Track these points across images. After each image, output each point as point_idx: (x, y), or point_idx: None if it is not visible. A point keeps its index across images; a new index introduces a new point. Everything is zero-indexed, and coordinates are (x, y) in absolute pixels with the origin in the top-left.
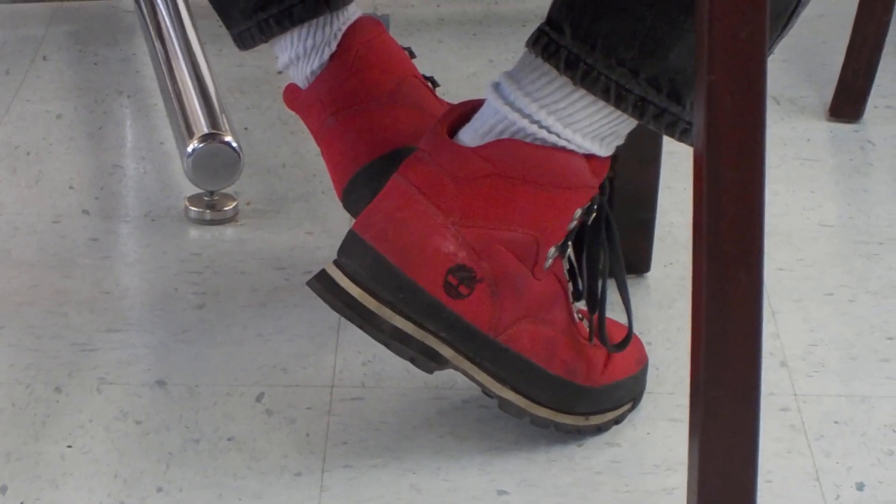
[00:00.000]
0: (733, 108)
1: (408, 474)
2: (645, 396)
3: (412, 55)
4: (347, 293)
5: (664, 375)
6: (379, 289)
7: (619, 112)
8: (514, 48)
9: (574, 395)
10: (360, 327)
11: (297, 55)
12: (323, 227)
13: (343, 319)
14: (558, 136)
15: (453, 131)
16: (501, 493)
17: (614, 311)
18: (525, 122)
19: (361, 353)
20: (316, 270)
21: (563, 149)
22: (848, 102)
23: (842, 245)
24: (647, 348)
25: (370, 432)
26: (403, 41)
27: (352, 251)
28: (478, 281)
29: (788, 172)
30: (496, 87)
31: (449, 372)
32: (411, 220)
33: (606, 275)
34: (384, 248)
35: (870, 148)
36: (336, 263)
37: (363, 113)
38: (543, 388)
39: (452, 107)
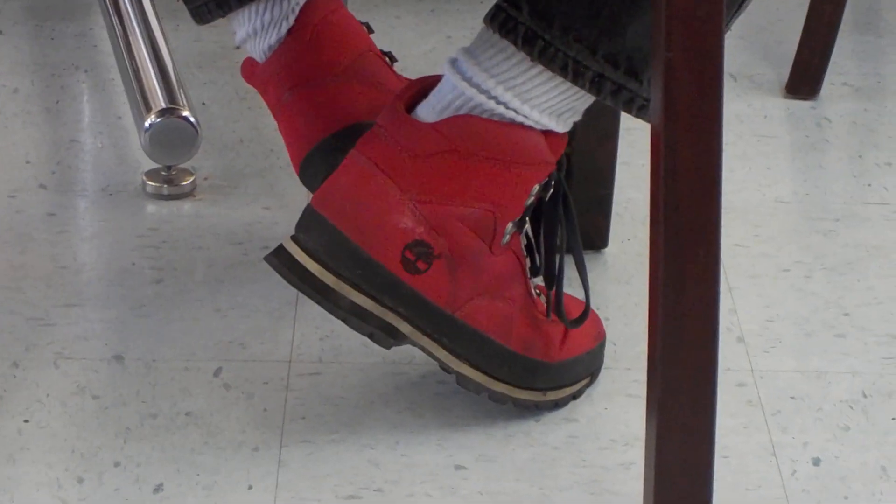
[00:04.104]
0: (691, 84)
1: (365, 449)
2: (602, 372)
3: (370, 30)
4: (305, 269)
5: (621, 351)
6: (336, 265)
7: (576, 88)
8: (471, 25)
9: (531, 371)
10: (318, 303)
11: (254, 30)
12: (280, 202)
13: (301, 295)
14: (516, 111)
15: (411, 107)
16: (459, 468)
17: (572, 286)
18: (482, 98)
19: (319, 328)
20: (273, 246)
21: (521, 125)
22: (804, 80)
23: (798, 221)
24: (604, 324)
25: (328, 407)
26: (361, 17)
27: (309, 227)
28: (435, 257)
29: (745, 149)
30: (454, 63)
31: (407, 347)
32: (368, 196)
33: (564, 250)
34: (342, 224)
35: (826, 125)
36: (294, 239)
37: (320, 88)
38: (501, 363)
39: (410, 83)
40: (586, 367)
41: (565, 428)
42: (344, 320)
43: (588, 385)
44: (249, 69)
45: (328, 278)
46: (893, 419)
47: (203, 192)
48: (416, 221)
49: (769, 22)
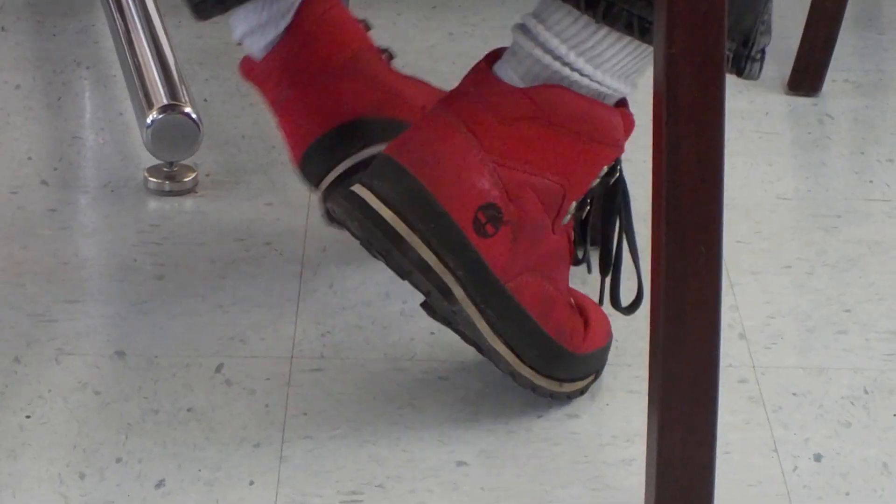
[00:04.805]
0: (693, 81)
1: (367, 445)
2: (604, 368)
3: (368, 27)
4: (379, 215)
5: (623, 347)
6: (411, 214)
7: (644, 45)
8: (472, 21)
9: (556, 358)
10: (386, 252)
11: (252, 28)
12: (282, 198)
13: (302, 290)
14: (591, 78)
15: None
16: (460, 464)
17: (580, 284)
18: (558, 65)
19: (320, 324)
20: (276, 242)
21: (603, 103)
22: (806, 76)
23: (800, 218)
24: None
25: (329, 403)
26: (363, 13)
27: (385, 174)
28: (503, 223)
29: (747, 145)
30: (524, 28)
31: (407, 343)
32: (451, 149)
33: (620, 239)
34: (421, 173)
35: (828, 121)
36: (366, 185)
37: (317, 85)
38: (532, 344)
39: (493, 51)
40: (597, 363)
41: (566, 424)
42: (407, 274)
43: (592, 382)
44: (248, 67)
45: (401, 227)
46: (895, 415)
47: (205, 188)
48: (493, 184)
49: None
